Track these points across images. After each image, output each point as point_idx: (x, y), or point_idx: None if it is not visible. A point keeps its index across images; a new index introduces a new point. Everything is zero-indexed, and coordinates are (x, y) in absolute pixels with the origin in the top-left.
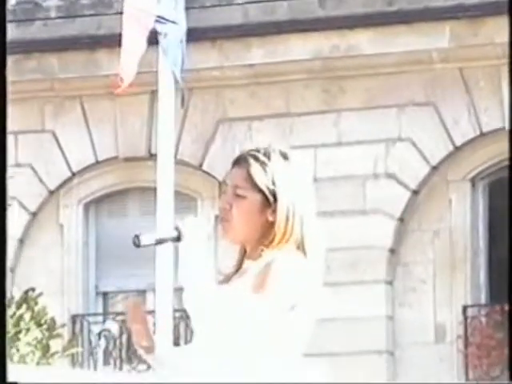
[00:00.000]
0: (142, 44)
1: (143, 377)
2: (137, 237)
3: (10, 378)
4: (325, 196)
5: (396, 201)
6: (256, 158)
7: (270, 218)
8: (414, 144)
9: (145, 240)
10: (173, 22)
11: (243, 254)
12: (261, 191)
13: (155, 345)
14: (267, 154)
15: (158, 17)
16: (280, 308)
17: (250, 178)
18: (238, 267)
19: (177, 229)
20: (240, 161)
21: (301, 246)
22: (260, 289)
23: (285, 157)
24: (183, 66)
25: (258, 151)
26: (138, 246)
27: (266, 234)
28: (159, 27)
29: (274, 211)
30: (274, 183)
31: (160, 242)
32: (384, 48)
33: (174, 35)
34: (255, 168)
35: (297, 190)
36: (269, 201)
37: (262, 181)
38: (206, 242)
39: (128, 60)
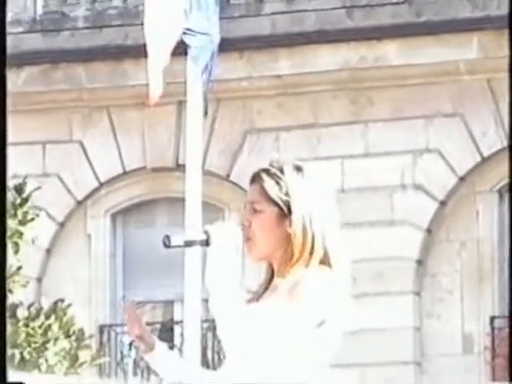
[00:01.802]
0: (166, 58)
1: None
2: (167, 237)
3: None
4: (352, 207)
5: (423, 212)
6: (269, 173)
7: (289, 230)
8: (441, 155)
9: (175, 241)
10: (204, 34)
11: (271, 273)
12: (276, 204)
13: (152, 339)
14: (280, 168)
15: (187, 29)
16: (309, 324)
17: (264, 192)
18: (267, 285)
19: (206, 232)
20: (255, 178)
21: (326, 260)
22: (290, 305)
23: (298, 169)
24: (210, 77)
25: (272, 166)
26: (167, 246)
27: (287, 247)
28: (188, 39)
29: (292, 223)
30: (287, 194)
31: (189, 244)
32: (412, 59)
33: (205, 47)
34: (268, 182)
35: (313, 200)
36: (285, 213)
37: (276, 193)
38: (235, 247)
39: (155, 74)
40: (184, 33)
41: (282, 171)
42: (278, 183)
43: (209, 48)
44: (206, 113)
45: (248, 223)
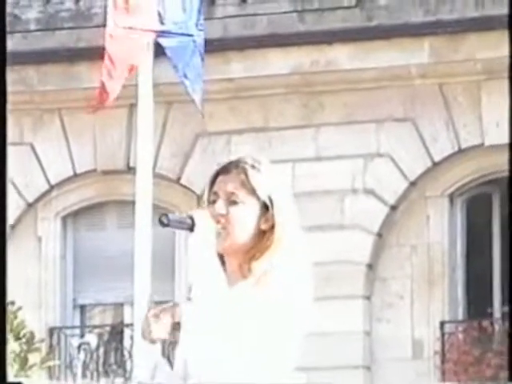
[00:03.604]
0: (130, 61)
1: None
2: (166, 215)
3: None
4: (303, 210)
5: (374, 216)
6: (252, 166)
7: (263, 227)
8: (392, 159)
9: (171, 220)
10: (184, 35)
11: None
12: (258, 198)
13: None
14: (259, 163)
15: (163, 32)
16: (276, 319)
17: (248, 185)
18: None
19: (191, 217)
20: (230, 168)
21: (291, 258)
22: (259, 298)
23: (272, 168)
24: (200, 78)
25: (249, 160)
26: (166, 225)
27: (257, 242)
28: (163, 41)
29: (267, 220)
30: (270, 191)
31: (176, 225)
32: (363, 63)
33: (184, 47)
34: (253, 175)
35: (287, 200)
36: (265, 208)
37: (261, 188)
38: (214, 233)
39: (113, 78)
40: (159, 36)
41: (260, 166)
42: (261, 177)
43: (189, 47)
44: (202, 115)
45: (225, 212)
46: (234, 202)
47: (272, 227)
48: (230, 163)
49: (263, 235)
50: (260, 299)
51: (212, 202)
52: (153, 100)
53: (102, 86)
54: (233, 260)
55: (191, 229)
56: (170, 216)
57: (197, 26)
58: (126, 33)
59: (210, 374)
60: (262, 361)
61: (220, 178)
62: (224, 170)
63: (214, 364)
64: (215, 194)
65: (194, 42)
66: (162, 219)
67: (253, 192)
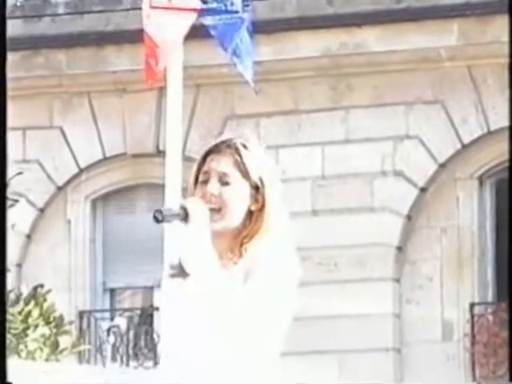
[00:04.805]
0: (175, 40)
1: (150, 373)
2: (160, 211)
3: (19, 373)
4: (332, 193)
5: (404, 198)
6: (244, 146)
7: (252, 208)
8: (421, 142)
9: (160, 215)
10: (228, 12)
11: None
12: (250, 179)
13: None
14: (249, 143)
15: (205, 10)
16: (261, 307)
17: (241, 166)
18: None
19: (183, 208)
20: (222, 148)
21: (278, 241)
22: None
23: (261, 148)
24: (250, 55)
25: (240, 140)
26: (160, 221)
27: (246, 224)
28: (206, 20)
29: (257, 201)
30: (261, 172)
31: (168, 219)
32: (392, 45)
33: (230, 24)
34: (247, 156)
35: (275, 181)
36: (255, 189)
37: (253, 168)
38: (208, 222)
39: (158, 57)
40: (201, 15)
41: (253, 146)
42: (254, 159)
43: (236, 25)
44: (256, 92)
45: (217, 193)
46: (226, 183)
47: (261, 208)
48: (222, 143)
49: (251, 216)
50: (248, 285)
51: (202, 182)
52: (182, 83)
53: (148, 66)
54: (223, 242)
55: (185, 219)
56: (164, 210)
57: (243, 2)
58: (165, 13)
59: (186, 356)
60: (246, 345)
61: (211, 157)
62: (215, 149)
63: (191, 346)
64: (206, 173)
65: (241, 18)
66: (156, 215)
67: (245, 173)
